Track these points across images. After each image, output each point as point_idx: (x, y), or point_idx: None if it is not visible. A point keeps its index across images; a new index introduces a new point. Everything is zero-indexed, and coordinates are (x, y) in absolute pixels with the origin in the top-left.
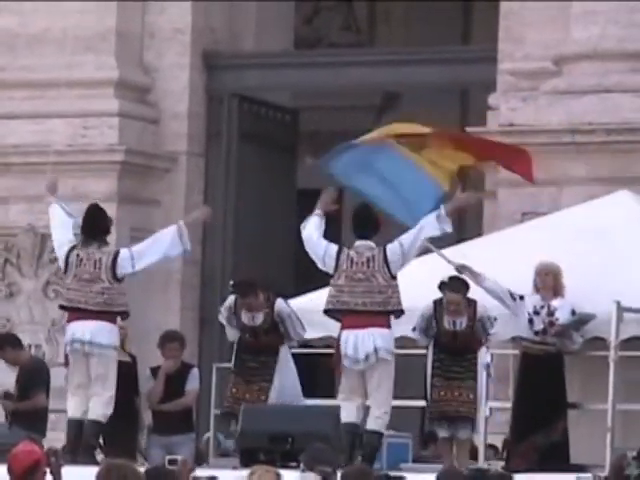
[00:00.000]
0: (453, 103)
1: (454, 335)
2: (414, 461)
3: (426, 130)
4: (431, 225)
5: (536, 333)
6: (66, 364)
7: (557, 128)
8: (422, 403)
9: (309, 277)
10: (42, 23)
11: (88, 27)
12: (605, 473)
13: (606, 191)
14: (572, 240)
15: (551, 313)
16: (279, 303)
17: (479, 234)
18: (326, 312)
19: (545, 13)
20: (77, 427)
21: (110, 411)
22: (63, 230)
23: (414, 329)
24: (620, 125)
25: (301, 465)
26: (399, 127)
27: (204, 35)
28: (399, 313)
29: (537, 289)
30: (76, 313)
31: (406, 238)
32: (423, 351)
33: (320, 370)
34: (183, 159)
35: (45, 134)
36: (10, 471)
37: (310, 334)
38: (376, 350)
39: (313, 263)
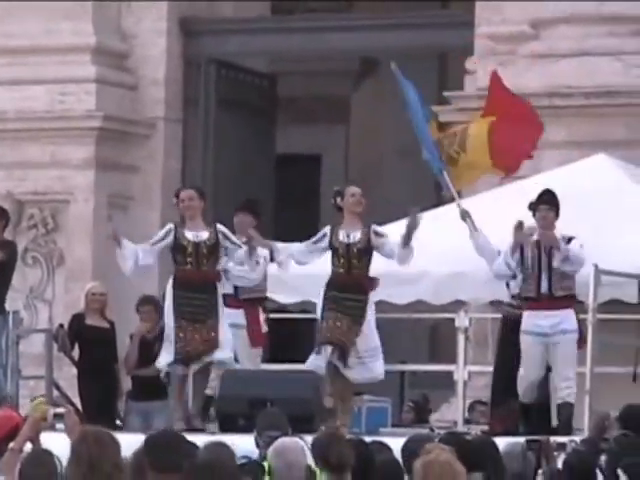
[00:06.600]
0: (431, 68)
1: None
2: (393, 426)
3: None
4: None
5: (512, 297)
6: None
7: (535, 92)
8: (402, 367)
9: (287, 242)
10: None
11: None
12: (584, 435)
13: (584, 155)
14: None
15: None
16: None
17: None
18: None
19: None
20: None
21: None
22: None
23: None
24: (598, 88)
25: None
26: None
27: (182, 1)
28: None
29: None
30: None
31: None
32: (403, 315)
33: (298, 335)
34: (161, 125)
35: (23, 101)
36: None
37: (286, 299)
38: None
39: (292, 227)
